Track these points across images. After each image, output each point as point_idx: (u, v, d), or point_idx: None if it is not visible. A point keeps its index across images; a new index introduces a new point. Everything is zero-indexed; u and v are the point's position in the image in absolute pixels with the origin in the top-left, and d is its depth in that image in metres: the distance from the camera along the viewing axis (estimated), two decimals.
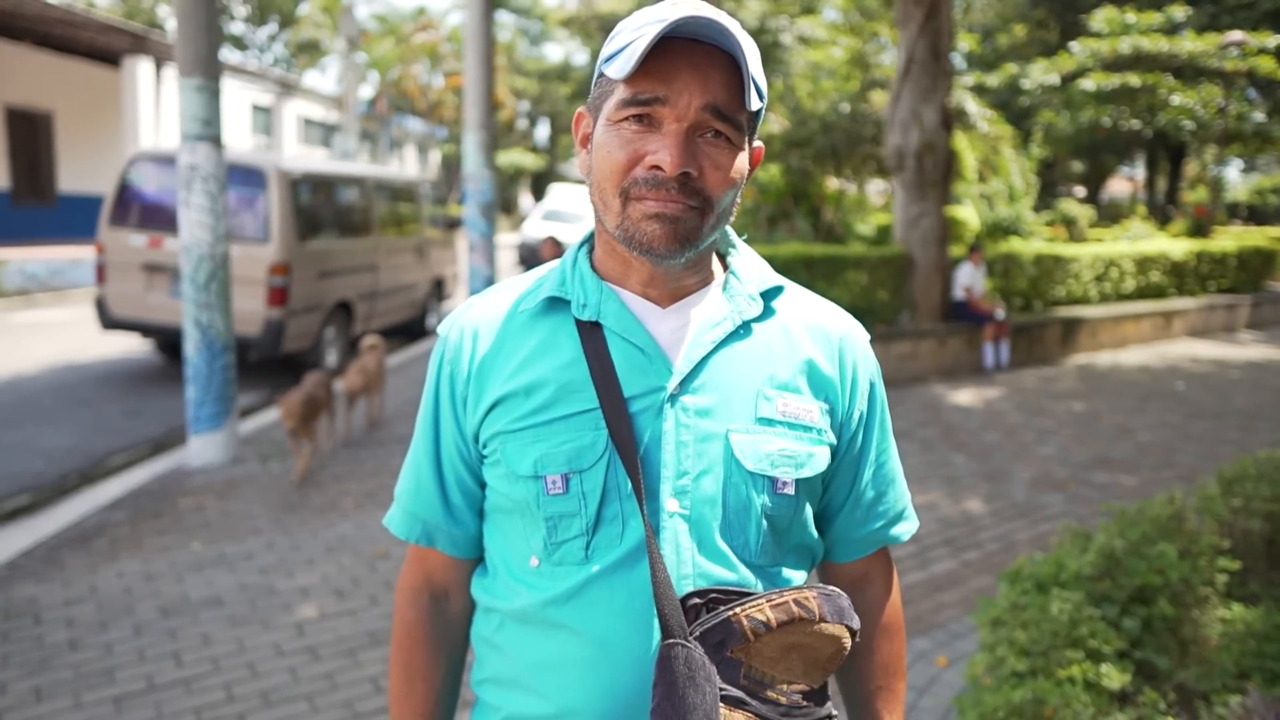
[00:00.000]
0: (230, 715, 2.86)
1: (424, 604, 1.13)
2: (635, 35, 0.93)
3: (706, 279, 1.06)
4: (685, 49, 0.92)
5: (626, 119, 0.95)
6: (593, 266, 1.06)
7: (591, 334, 1.00)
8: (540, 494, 0.98)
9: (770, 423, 1.00)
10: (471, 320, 1.07)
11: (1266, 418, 7.65)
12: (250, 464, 5.36)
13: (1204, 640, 2.54)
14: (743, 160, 0.98)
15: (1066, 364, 10.05)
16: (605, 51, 0.98)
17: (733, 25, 0.93)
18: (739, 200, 1.02)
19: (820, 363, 1.05)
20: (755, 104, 0.93)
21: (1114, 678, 2.10)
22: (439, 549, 1.10)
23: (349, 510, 4.68)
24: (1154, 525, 2.68)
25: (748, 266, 1.08)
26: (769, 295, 1.06)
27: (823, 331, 1.07)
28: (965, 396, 8.12)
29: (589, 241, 1.10)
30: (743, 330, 1.03)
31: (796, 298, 1.10)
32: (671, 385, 0.98)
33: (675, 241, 0.95)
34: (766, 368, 1.02)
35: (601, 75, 0.99)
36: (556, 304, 1.04)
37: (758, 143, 1.04)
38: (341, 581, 3.83)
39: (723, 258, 1.10)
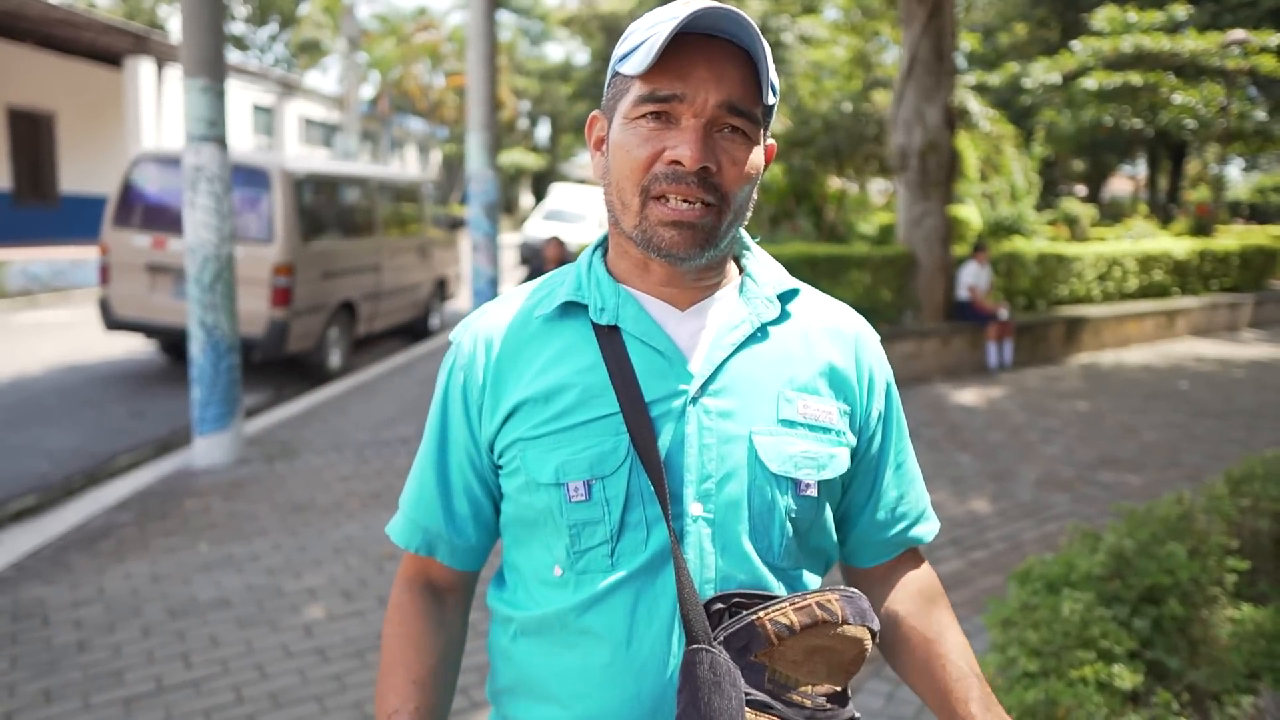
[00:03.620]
0: (240, 717, 2.86)
1: (418, 589, 1.10)
2: (649, 33, 0.93)
3: (723, 281, 1.05)
4: (700, 45, 0.92)
5: (644, 116, 0.94)
6: (607, 269, 1.05)
7: (610, 338, 0.99)
8: (563, 501, 0.96)
9: (792, 424, 1.00)
10: (485, 327, 1.05)
11: (1271, 416, 7.64)
12: (256, 464, 5.36)
13: (1214, 640, 2.54)
14: (758, 155, 0.98)
15: (1070, 363, 10.04)
16: (619, 51, 0.98)
17: (746, 18, 0.92)
18: (755, 196, 1.01)
19: (838, 364, 1.05)
20: (770, 98, 0.94)
21: (1126, 678, 2.10)
22: (439, 559, 1.09)
23: (355, 511, 4.68)
24: (1163, 525, 2.68)
25: (763, 269, 1.08)
26: (785, 298, 1.06)
27: (838, 333, 1.07)
28: (969, 396, 8.12)
29: (603, 244, 1.09)
30: (760, 334, 1.02)
31: (811, 300, 1.10)
32: (692, 388, 0.97)
33: (694, 245, 0.95)
34: (786, 370, 1.02)
35: (616, 75, 0.99)
36: (573, 308, 1.03)
37: (769, 140, 1.03)
38: (349, 583, 3.83)
39: (737, 259, 1.10)
